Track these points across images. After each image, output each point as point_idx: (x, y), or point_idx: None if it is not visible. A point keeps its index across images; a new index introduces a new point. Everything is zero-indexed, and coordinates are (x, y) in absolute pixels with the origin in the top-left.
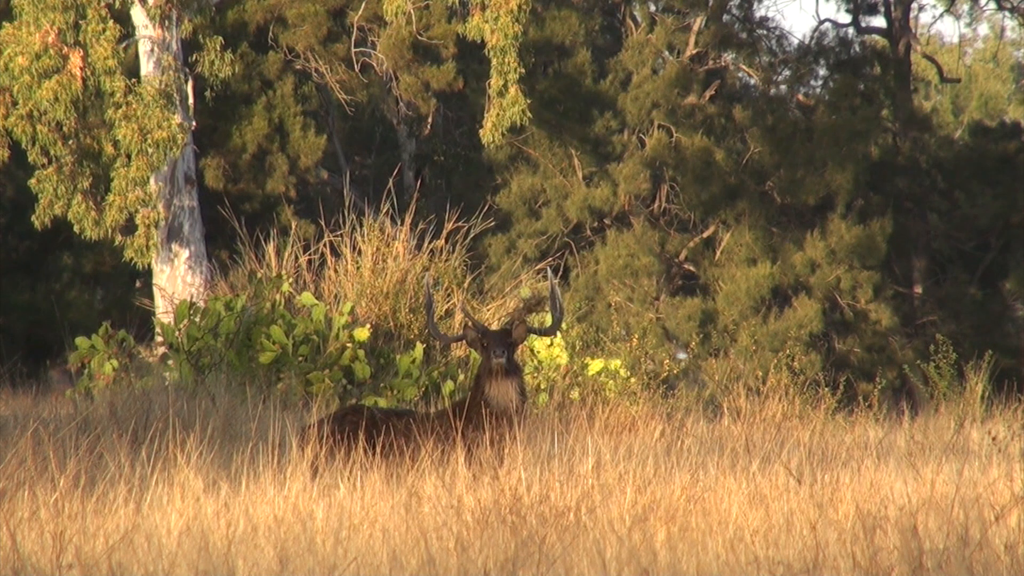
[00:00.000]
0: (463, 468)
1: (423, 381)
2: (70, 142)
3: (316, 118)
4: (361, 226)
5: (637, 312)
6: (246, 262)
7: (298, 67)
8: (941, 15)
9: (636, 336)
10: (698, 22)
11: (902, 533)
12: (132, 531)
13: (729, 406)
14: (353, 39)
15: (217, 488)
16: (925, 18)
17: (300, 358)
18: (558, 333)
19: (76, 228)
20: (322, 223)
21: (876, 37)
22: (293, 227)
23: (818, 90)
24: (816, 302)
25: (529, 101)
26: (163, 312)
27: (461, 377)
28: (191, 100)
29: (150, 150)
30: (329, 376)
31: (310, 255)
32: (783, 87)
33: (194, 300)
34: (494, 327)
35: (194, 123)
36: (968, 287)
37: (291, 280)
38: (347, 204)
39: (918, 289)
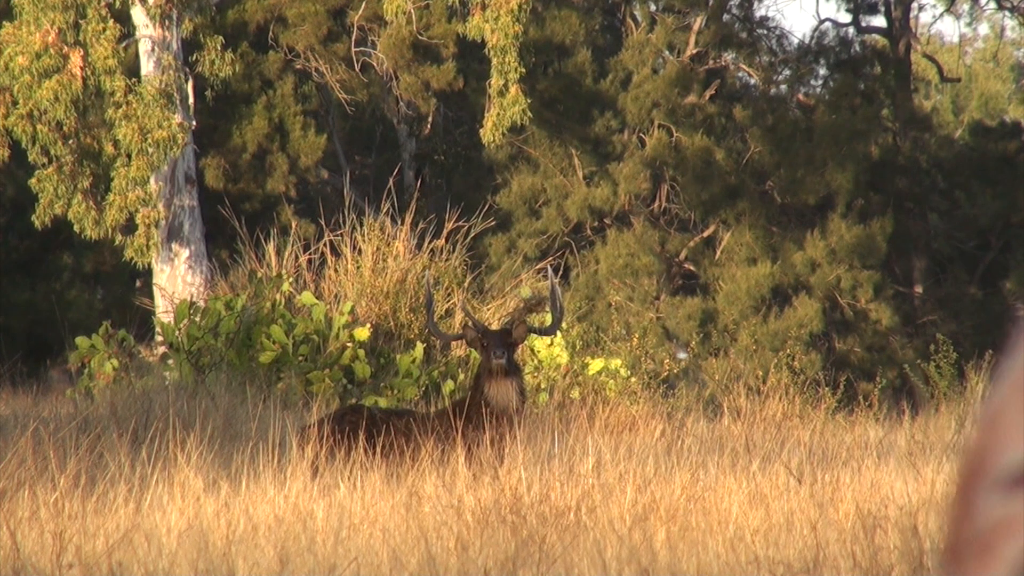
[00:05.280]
0: (463, 468)
1: (423, 381)
2: (70, 142)
3: (316, 118)
4: (361, 226)
5: (637, 312)
6: (246, 262)
7: (298, 67)
8: (941, 15)
9: (636, 336)
10: (698, 22)
11: (902, 533)
12: (132, 531)
13: (729, 406)
14: (353, 39)
15: (217, 488)
16: (925, 18)
17: (300, 358)
18: (558, 333)
19: (76, 228)
20: (322, 223)
21: (876, 37)
22: (293, 227)
23: (818, 90)
24: (816, 302)
25: (529, 101)
26: (163, 312)
27: (461, 377)
28: (191, 100)
29: (150, 150)
30: (329, 376)
31: (310, 255)
32: (783, 87)
33: (194, 300)
34: (494, 327)
35: (194, 123)
36: (968, 287)
37: (291, 280)
38: (347, 204)
39: (918, 289)
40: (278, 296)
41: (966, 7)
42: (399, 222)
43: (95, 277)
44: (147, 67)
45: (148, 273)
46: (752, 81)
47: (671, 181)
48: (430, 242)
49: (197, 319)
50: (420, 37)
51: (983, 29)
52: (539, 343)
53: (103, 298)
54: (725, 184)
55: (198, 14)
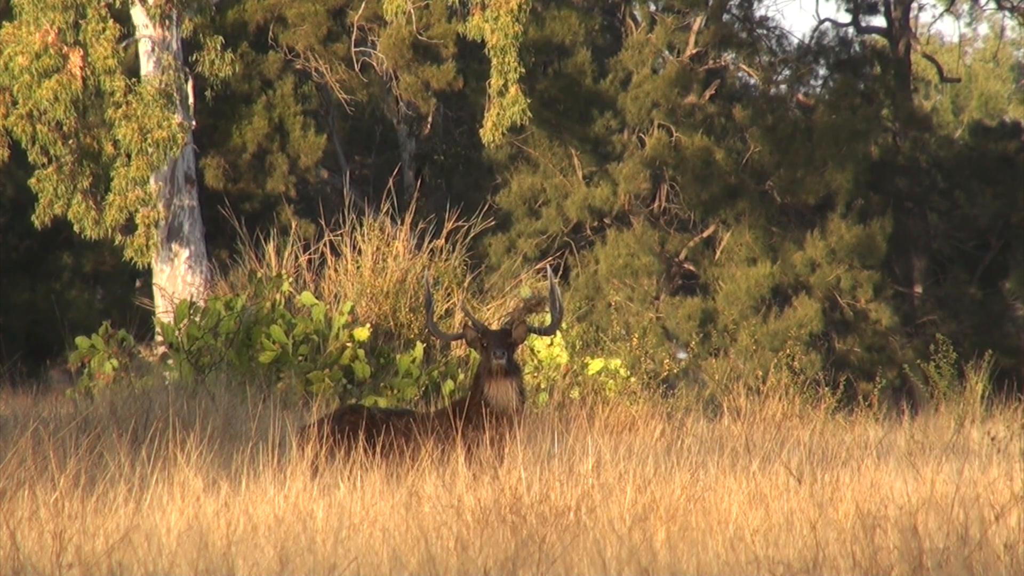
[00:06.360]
0: (463, 468)
1: (423, 381)
2: (70, 142)
3: (316, 118)
4: (361, 225)
5: (637, 312)
6: (246, 262)
7: (298, 67)
8: (941, 15)
9: (636, 336)
10: (698, 22)
11: (902, 532)
12: (132, 531)
13: (729, 406)
14: (353, 39)
15: (217, 488)
16: (925, 18)
17: (300, 358)
18: (558, 333)
19: (76, 228)
20: (322, 223)
21: (876, 37)
22: (293, 227)
23: (818, 90)
24: (816, 302)
25: (529, 101)
26: (163, 312)
27: (461, 376)
28: (191, 100)
29: (150, 150)
30: (329, 376)
31: (310, 255)
32: (783, 87)
33: (194, 300)
34: (494, 327)
35: (194, 123)
36: (968, 287)
37: (291, 280)
38: (347, 204)
39: (918, 289)
40: (278, 296)
41: (966, 7)
42: (399, 222)
43: (95, 277)
44: (147, 67)
45: (148, 273)
46: (752, 81)
47: (671, 181)
48: (430, 242)
49: (197, 319)
50: (420, 37)
51: (983, 29)
52: (539, 343)
53: (103, 298)
54: (725, 184)
55: (198, 14)
